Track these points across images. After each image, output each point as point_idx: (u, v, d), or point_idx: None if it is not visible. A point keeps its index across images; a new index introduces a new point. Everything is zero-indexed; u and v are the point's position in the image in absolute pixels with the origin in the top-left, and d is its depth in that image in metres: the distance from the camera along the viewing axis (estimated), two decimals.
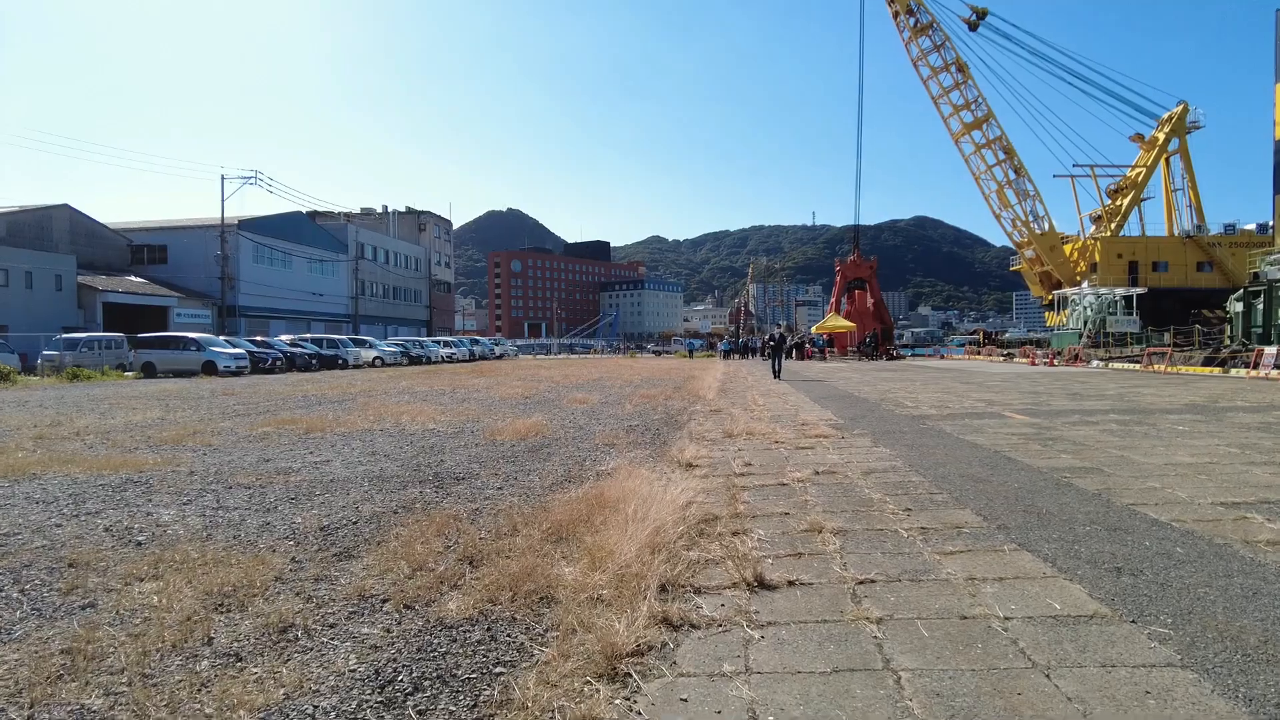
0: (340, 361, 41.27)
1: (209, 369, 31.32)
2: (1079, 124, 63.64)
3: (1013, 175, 60.65)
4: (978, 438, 9.40)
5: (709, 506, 5.62)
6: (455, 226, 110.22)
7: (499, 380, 25.37)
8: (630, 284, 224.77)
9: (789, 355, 53.36)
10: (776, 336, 28.92)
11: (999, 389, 18.82)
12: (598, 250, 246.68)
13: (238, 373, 32.04)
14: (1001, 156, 60.19)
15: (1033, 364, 36.79)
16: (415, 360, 48.90)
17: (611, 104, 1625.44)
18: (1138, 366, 30.33)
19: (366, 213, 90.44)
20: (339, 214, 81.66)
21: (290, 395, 18.72)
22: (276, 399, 17.45)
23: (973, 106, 59.66)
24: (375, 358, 44.78)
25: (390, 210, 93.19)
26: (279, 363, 35.60)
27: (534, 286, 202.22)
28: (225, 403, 16.23)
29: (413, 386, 21.83)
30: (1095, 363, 33.91)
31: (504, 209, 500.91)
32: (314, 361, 38.81)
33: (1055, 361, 35.40)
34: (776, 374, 25.72)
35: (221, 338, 35.22)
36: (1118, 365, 31.92)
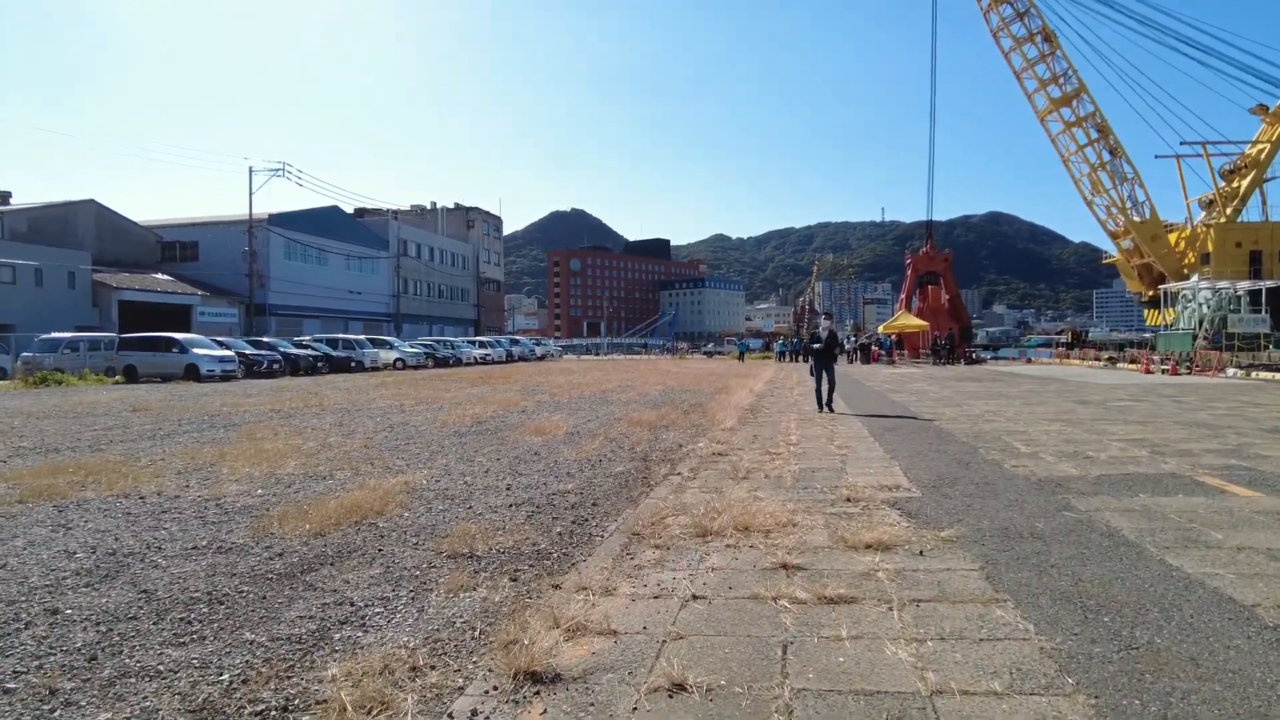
0: (354, 364, 37.84)
1: (191, 373, 28.11)
2: (1187, 96, 55.91)
3: (1107, 156, 53.87)
4: (1216, 570, 4.37)
5: None
6: (520, 227, 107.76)
7: (493, 390, 21.19)
8: (690, 282, 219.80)
9: (850, 359, 47.43)
10: (822, 335, 15.41)
11: (1141, 416, 13.22)
12: (658, 248, 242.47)
13: (225, 377, 28.81)
14: (1094, 135, 53.48)
15: (1147, 371, 30.60)
16: (441, 362, 45.33)
17: (674, 103, 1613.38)
18: None
19: (415, 209, 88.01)
20: (386, 211, 79.27)
21: (207, 412, 14.89)
22: (177, 419, 13.59)
23: (1061, 80, 53.14)
24: (396, 359, 41.36)
25: (438, 206, 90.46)
26: (277, 366, 32.30)
27: (593, 285, 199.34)
28: (92, 425, 12.41)
29: (372, 401, 17.79)
30: (1231, 371, 27.66)
31: (567, 209, 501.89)
32: (320, 364, 35.42)
33: (1179, 369, 29.18)
34: (823, 403, 14.69)
35: (213, 339, 32.04)
36: (1263, 375, 25.70)
